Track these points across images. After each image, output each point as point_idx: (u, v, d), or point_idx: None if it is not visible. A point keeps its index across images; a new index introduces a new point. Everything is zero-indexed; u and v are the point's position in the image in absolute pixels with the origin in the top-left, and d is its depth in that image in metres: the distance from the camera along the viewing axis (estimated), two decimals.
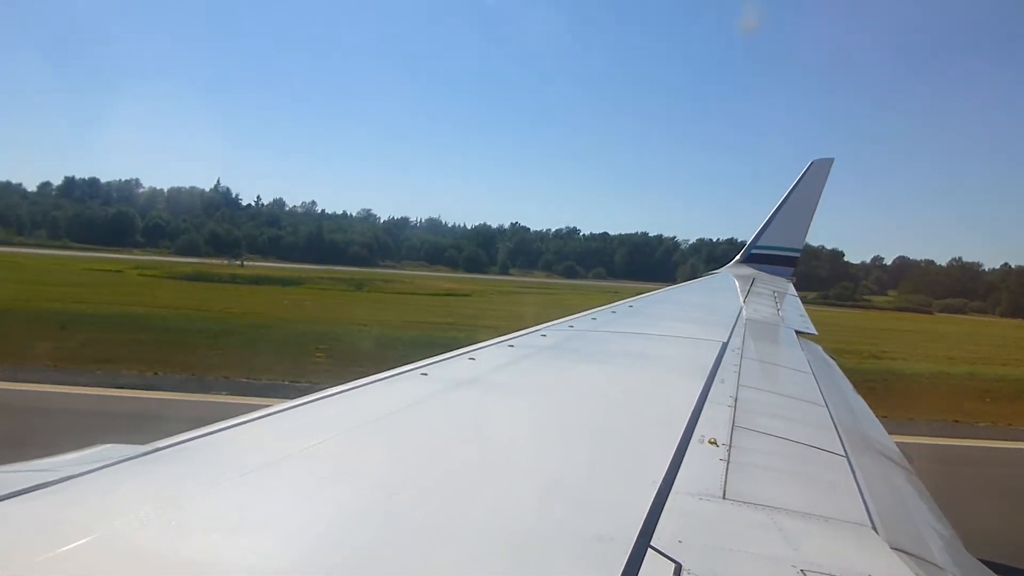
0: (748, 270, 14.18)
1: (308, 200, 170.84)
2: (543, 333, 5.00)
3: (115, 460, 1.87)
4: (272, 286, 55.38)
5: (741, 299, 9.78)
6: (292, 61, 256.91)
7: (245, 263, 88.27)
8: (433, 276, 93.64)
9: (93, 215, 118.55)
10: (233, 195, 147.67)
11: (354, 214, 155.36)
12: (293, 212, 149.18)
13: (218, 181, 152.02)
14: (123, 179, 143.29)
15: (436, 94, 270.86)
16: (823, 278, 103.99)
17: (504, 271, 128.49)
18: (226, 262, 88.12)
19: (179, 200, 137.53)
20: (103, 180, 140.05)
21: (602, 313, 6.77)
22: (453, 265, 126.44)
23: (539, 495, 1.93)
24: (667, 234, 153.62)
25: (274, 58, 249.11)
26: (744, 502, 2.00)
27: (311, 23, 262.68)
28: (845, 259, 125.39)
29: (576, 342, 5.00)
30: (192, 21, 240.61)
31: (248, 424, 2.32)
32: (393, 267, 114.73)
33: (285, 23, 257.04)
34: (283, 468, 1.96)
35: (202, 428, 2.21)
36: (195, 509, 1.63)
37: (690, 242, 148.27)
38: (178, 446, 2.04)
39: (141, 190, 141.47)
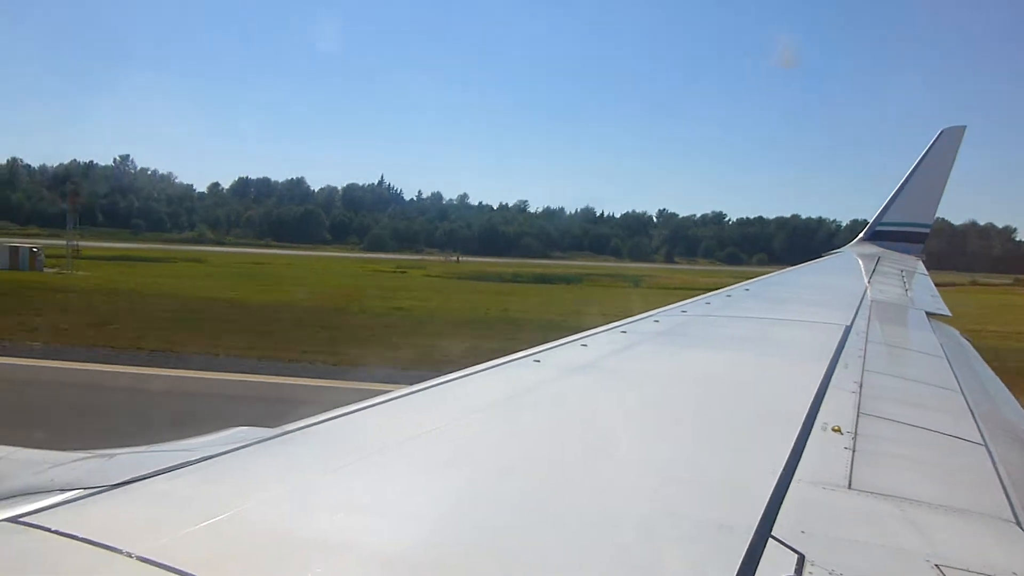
0: (873, 248, 13.13)
1: (461, 192, 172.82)
2: (656, 319, 4.94)
3: (247, 442, 1.99)
4: (554, 285, 55.22)
5: (866, 279, 9.20)
6: (438, 51, 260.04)
7: (460, 259, 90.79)
8: (638, 268, 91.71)
9: (284, 213, 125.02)
10: (397, 190, 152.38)
11: (510, 205, 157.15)
12: (450, 204, 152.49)
13: (382, 177, 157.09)
14: (292, 177, 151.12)
15: (587, 87, 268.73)
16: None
17: (669, 259, 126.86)
18: (442, 259, 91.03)
19: (352, 196, 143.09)
20: (273, 179, 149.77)
21: (716, 297, 6.60)
22: (617, 254, 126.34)
23: (655, 482, 1.91)
24: (817, 216, 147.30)
25: (421, 48, 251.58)
26: (871, 492, 1.90)
27: (457, 13, 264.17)
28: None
29: (690, 327, 4.91)
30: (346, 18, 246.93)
31: (368, 409, 2.42)
32: (562, 258, 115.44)
33: (435, 15, 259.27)
34: (402, 452, 2.04)
35: (327, 412, 2.31)
36: (319, 489, 1.72)
37: (843, 224, 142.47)
38: (305, 429, 2.15)
39: (316, 188, 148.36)
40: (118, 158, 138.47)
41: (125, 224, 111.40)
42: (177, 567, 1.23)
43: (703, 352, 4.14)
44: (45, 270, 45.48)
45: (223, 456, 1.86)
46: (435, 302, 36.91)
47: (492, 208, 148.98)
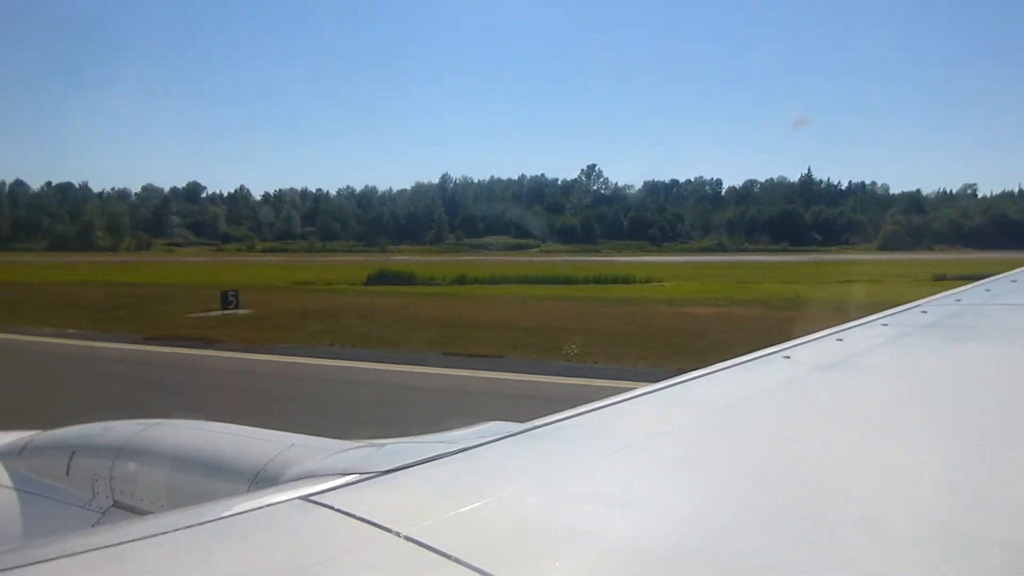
0: None
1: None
2: (923, 309, 4.43)
3: (501, 435, 2.06)
4: None
5: None
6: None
7: None
8: None
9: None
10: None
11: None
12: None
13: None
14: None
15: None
16: None
17: None
18: None
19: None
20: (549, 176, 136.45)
21: (998, 283, 5.70)
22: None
23: (922, 493, 1.74)
24: None
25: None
26: None
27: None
28: None
29: (965, 319, 4.33)
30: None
31: (614, 406, 2.42)
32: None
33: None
34: (647, 449, 2.03)
35: (574, 409, 2.33)
36: (567, 482, 1.76)
37: None
38: (554, 424, 2.19)
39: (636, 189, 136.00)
40: None
41: None
42: (438, 548, 1.33)
43: (981, 347, 3.68)
44: None
45: (479, 448, 1.95)
46: None
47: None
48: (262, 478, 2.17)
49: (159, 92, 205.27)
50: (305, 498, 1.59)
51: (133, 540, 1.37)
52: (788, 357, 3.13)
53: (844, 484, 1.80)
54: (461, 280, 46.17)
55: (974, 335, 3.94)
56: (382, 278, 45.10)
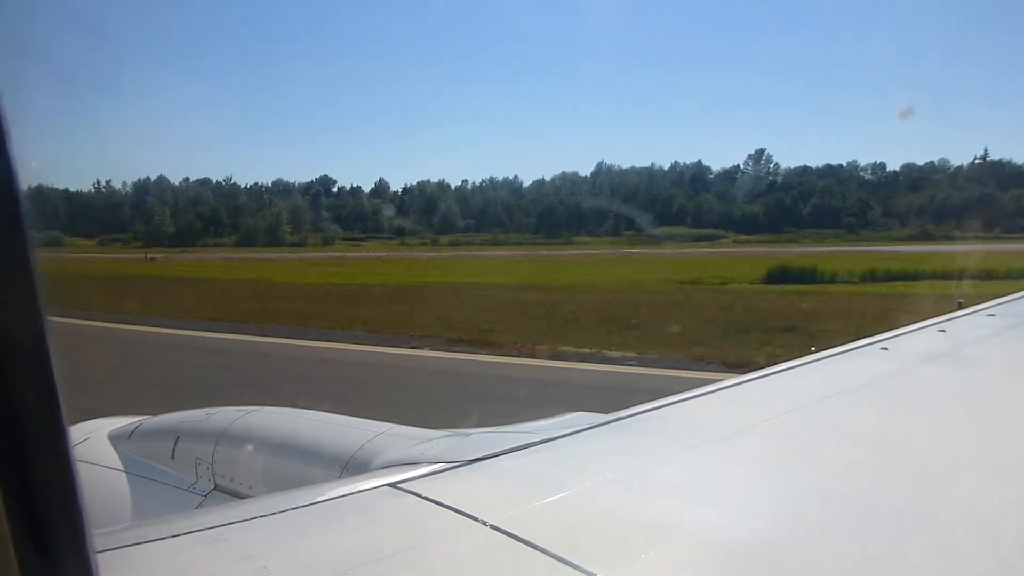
0: None
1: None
2: None
3: (585, 426, 2.06)
4: None
5: None
6: None
7: None
8: None
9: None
10: None
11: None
12: None
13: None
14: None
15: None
16: None
17: None
18: None
19: None
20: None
21: None
22: None
23: (1019, 491, 1.67)
24: None
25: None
26: None
27: None
28: None
29: None
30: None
31: (700, 398, 2.37)
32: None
33: None
34: (735, 442, 2.00)
35: (660, 399, 2.28)
36: (650, 474, 1.76)
37: None
38: (638, 416, 2.17)
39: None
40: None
41: None
42: (523, 537, 1.34)
43: None
44: None
45: (563, 439, 1.95)
46: None
47: None
48: (353, 464, 2.21)
49: (286, 91, 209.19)
50: (393, 485, 1.62)
51: (232, 523, 1.42)
52: (886, 348, 3.04)
53: (945, 482, 1.74)
54: (871, 276, 37.93)
55: None
56: (783, 275, 39.14)
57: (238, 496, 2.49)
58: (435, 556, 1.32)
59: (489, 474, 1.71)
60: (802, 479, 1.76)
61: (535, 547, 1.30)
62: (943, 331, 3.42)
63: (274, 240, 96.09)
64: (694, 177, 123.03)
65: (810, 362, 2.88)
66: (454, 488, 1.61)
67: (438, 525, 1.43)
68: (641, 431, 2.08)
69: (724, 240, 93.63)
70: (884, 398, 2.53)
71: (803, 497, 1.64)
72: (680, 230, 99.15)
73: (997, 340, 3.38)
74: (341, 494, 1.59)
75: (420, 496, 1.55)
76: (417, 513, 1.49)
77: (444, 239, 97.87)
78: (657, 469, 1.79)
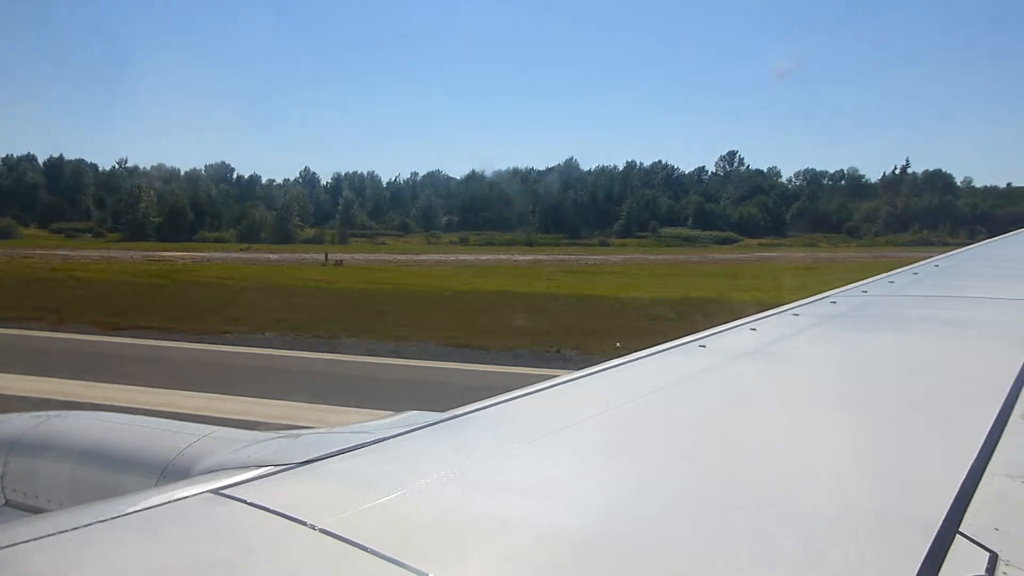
0: None
1: None
2: (832, 300, 4.52)
3: (419, 425, 2.04)
4: None
5: None
6: None
7: None
8: None
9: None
10: None
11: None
12: None
13: None
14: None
15: None
16: None
17: None
18: None
19: None
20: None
21: (901, 275, 5.92)
22: None
23: (831, 474, 1.81)
24: None
25: None
26: None
27: None
28: None
29: (870, 308, 4.48)
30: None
31: (533, 395, 2.41)
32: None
33: None
34: (564, 438, 2.02)
35: (492, 398, 2.32)
36: (485, 471, 1.76)
37: None
38: (472, 413, 2.18)
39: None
40: None
41: None
42: (355, 540, 1.31)
43: (884, 335, 3.76)
44: None
45: (396, 438, 1.94)
46: None
47: None
48: (171, 471, 2.13)
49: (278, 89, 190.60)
50: (216, 491, 1.54)
51: (23, 542, 1.29)
52: (704, 346, 3.20)
53: (761, 468, 1.85)
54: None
55: (880, 324, 4.07)
56: None
57: (35, 512, 2.27)
58: (262, 565, 1.27)
59: (320, 477, 1.67)
60: (633, 471, 1.81)
61: (366, 549, 1.28)
62: (754, 329, 3.60)
63: (282, 235, 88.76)
64: (666, 177, 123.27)
65: (637, 359, 2.96)
66: (282, 492, 1.56)
67: (264, 532, 1.38)
68: (475, 429, 2.08)
69: (738, 243, 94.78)
70: (705, 391, 2.64)
71: (634, 488, 1.68)
72: (676, 230, 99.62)
73: (800, 338, 3.58)
74: (156, 503, 1.49)
75: (245, 502, 1.48)
76: (241, 521, 1.43)
77: (473, 237, 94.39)
78: (491, 466, 1.80)
